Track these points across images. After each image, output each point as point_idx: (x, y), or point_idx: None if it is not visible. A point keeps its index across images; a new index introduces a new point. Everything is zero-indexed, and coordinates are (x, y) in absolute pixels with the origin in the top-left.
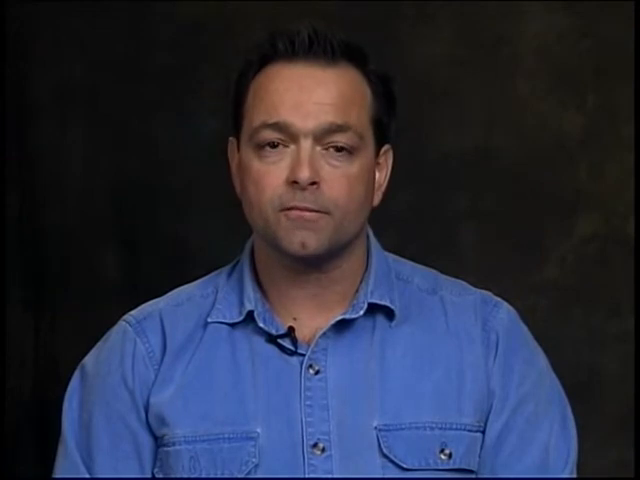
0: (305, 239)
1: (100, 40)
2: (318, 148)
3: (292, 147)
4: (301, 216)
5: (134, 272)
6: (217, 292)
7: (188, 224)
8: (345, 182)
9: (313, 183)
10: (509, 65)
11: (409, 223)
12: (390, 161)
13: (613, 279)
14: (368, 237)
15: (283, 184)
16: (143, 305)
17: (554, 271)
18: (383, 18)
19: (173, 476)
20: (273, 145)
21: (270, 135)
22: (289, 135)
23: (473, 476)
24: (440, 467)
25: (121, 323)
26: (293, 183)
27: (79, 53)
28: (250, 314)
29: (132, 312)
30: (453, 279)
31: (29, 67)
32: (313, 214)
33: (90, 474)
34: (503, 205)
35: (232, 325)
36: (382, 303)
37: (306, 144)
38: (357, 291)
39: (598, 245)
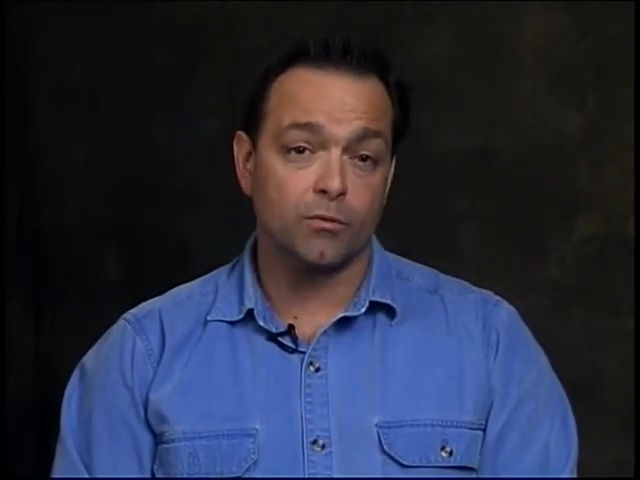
0: (325, 249)
1: (100, 40)
2: (345, 157)
3: (320, 153)
4: (323, 227)
5: (134, 272)
6: (217, 290)
7: (188, 224)
8: (368, 193)
9: (341, 194)
10: (509, 65)
11: (409, 223)
12: (393, 165)
13: (613, 279)
14: (370, 237)
15: (310, 191)
16: (143, 303)
17: (554, 271)
18: (383, 18)
19: (173, 473)
20: (299, 150)
21: (299, 136)
22: (319, 139)
23: (474, 474)
24: (441, 464)
25: (120, 321)
26: (321, 192)
27: (79, 53)
28: (250, 312)
29: (132, 310)
30: (454, 278)
31: (29, 67)
32: (336, 225)
33: (89, 472)
34: (503, 205)
35: (232, 323)
36: (383, 301)
37: (336, 153)
38: (359, 289)
39: (598, 245)
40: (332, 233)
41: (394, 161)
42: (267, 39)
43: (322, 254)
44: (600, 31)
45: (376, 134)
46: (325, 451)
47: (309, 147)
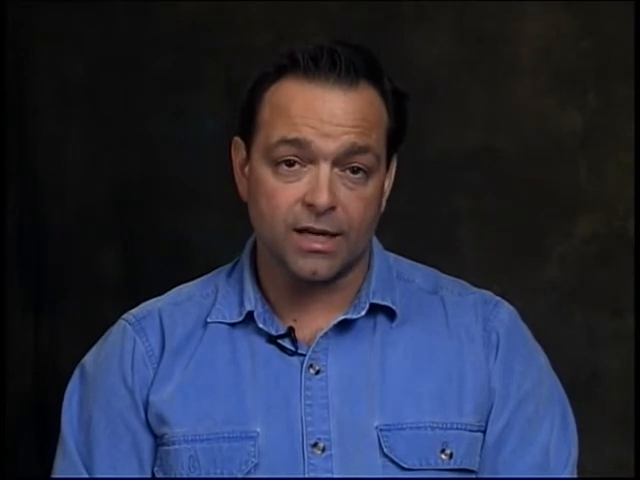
0: (317, 267)
1: (100, 40)
2: (335, 170)
3: (309, 167)
4: (315, 249)
5: (134, 272)
6: (217, 292)
7: (188, 224)
8: (360, 204)
9: (330, 208)
10: (509, 65)
11: (409, 223)
12: (394, 167)
13: (613, 279)
14: (367, 244)
15: (299, 204)
16: (143, 304)
17: (554, 271)
18: (383, 18)
19: (173, 475)
20: (289, 163)
21: (288, 151)
22: (308, 154)
23: (474, 476)
24: (441, 467)
25: (121, 322)
26: (309, 206)
27: (79, 53)
28: (250, 314)
29: (132, 311)
30: (454, 278)
31: (29, 67)
32: (327, 245)
33: (89, 474)
34: (503, 205)
35: (232, 325)
36: (384, 304)
37: (325, 167)
38: (359, 292)
39: (598, 245)
40: (324, 253)
41: (395, 162)
42: (267, 39)
43: (314, 272)
44: (600, 31)
45: (365, 149)
46: (325, 454)
47: (298, 160)
